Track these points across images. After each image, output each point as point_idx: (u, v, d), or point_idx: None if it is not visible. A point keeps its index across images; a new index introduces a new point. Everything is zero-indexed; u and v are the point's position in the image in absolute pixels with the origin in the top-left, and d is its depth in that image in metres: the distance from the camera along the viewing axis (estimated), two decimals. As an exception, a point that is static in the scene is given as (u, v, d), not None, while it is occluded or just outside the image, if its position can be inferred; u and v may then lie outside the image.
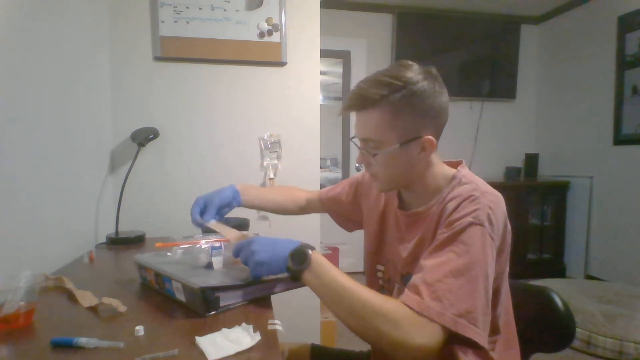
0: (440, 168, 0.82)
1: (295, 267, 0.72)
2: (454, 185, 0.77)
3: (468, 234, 0.67)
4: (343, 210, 1.10)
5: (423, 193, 0.82)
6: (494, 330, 0.76)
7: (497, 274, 0.73)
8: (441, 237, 0.70)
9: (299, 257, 0.73)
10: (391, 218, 0.91)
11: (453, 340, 0.66)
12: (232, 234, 0.94)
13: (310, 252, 0.73)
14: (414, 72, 0.74)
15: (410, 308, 0.65)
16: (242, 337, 0.64)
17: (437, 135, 0.78)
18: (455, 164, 0.84)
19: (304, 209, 1.18)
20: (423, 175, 0.80)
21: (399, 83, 0.73)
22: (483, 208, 0.69)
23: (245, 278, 0.81)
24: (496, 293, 0.75)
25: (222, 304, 0.76)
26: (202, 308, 0.75)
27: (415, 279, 0.68)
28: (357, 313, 0.67)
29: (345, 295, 0.68)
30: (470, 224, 0.68)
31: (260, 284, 0.81)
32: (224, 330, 0.66)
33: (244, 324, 0.68)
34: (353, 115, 0.81)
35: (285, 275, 0.78)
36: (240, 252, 0.78)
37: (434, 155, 0.80)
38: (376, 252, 0.95)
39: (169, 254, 0.93)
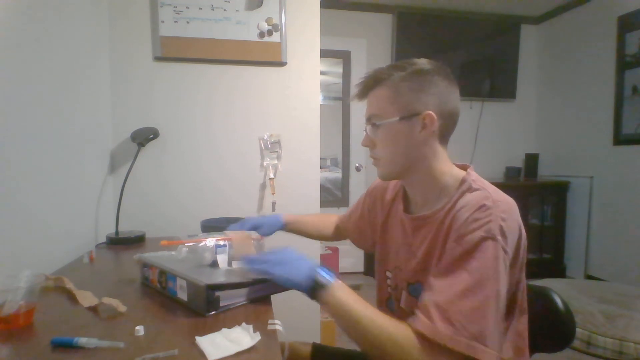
0: (449, 166, 0.81)
1: (317, 284, 0.71)
2: (464, 191, 0.74)
3: (480, 250, 0.65)
4: (362, 226, 1.09)
5: (430, 189, 0.80)
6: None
7: (511, 284, 0.71)
8: (452, 253, 0.68)
9: (321, 277, 0.72)
10: (396, 223, 0.90)
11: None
12: (234, 234, 0.95)
13: (331, 277, 0.73)
14: (421, 60, 0.79)
15: (422, 334, 0.63)
16: (242, 337, 0.64)
17: (445, 125, 0.78)
18: (462, 167, 0.83)
19: (336, 235, 1.22)
20: (429, 164, 0.79)
21: (407, 65, 0.79)
22: (495, 220, 0.66)
23: (249, 277, 0.81)
24: (512, 303, 0.74)
25: (222, 303, 0.77)
26: (203, 307, 0.75)
27: (427, 300, 0.66)
28: (371, 339, 0.66)
29: (360, 320, 0.67)
30: (482, 239, 0.65)
31: (263, 283, 0.82)
32: (224, 330, 0.66)
33: (244, 324, 0.68)
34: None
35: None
36: (262, 259, 0.79)
37: (442, 151, 0.80)
38: (383, 259, 0.95)
39: (172, 252, 0.94)
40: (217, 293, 0.76)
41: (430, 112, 0.76)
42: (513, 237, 0.68)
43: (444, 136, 0.80)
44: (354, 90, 0.85)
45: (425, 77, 0.77)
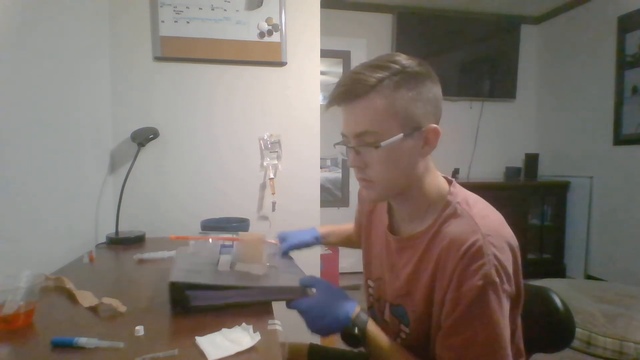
0: (436, 178, 0.75)
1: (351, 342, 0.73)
2: (448, 215, 0.69)
3: (482, 301, 0.62)
4: (359, 232, 1.03)
5: (418, 206, 0.75)
6: None
7: (513, 329, 0.70)
8: (455, 307, 0.64)
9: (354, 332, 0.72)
10: (379, 235, 0.86)
11: None
12: (245, 235, 0.94)
13: (364, 325, 0.72)
14: (405, 59, 0.69)
15: None
16: (242, 337, 0.64)
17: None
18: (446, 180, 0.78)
19: None
20: (422, 180, 0.73)
21: (396, 66, 0.67)
22: (489, 261, 0.62)
23: (232, 281, 0.80)
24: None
25: (196, 303, 0.76)
26: (172, 304, 0.75)
27: (444, 357, 0.66)
28: None
29: None
30: (482, 288, 0.61)
31: (241, 290, 0.79)
32: (224, 330, 0.66)
33: (244, 324, 0.68)
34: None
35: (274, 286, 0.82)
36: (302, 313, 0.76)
37: (431, 161, 0.74)
38: (366, 266, 0.92)
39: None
40: (188, 292, 0.75)
41: (436, 126, 0.69)
42: (510, 270, 0.65)
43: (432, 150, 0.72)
44: (334, 94, 0.70)
45: (419, 81, 0.67)
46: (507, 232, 0.68)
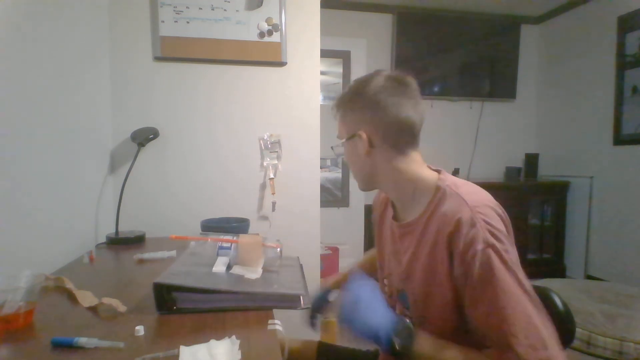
0: (418, 171, 0.80)
1: (404, 343, 0.67)
2: (440, 198, 0.74)
3: (488, 265, 0.64)
4: None
5: (402, 195, 0.82)
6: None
7: None
8: (465, 279, 0.67)
9: (404, 333, 0.68)
10: (387, 229, 0.91)
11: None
12: (244, 237, 0.94)
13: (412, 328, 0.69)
14: (375, 76, 0.80)
15: None
16: (224, 354, 0.60)
17: (392, 135, 0.78)
18: (436, 172, 0.82)
19: None
20: (391, 174, 0.80)
21: (355, 85, 0.82)
22: (481, 227, 0.66)
23: (221, 285, 0.78)
24: None
25: (182, 305, 0.76)
26: (156, 305, 0.76)
27: (484, 336, 0.66)
28: None
29: None
30: (483, 251, 0.65)
31: (229, 294, 0.78)
32: (212, 342, 0.64)
33: (234, 337, 0.65)
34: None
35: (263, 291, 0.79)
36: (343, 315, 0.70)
37: (404, 158, 0.79)
38: (380, 266, 0.96)
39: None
40: (175, 294, 0.76)
41: (361, 131, 0.79)
42: (501, 226, 0.68)
43: (398, 145, 0.78)
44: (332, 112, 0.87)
45: (365, 97, 0.78)
46: (493, 202, 0.73)
